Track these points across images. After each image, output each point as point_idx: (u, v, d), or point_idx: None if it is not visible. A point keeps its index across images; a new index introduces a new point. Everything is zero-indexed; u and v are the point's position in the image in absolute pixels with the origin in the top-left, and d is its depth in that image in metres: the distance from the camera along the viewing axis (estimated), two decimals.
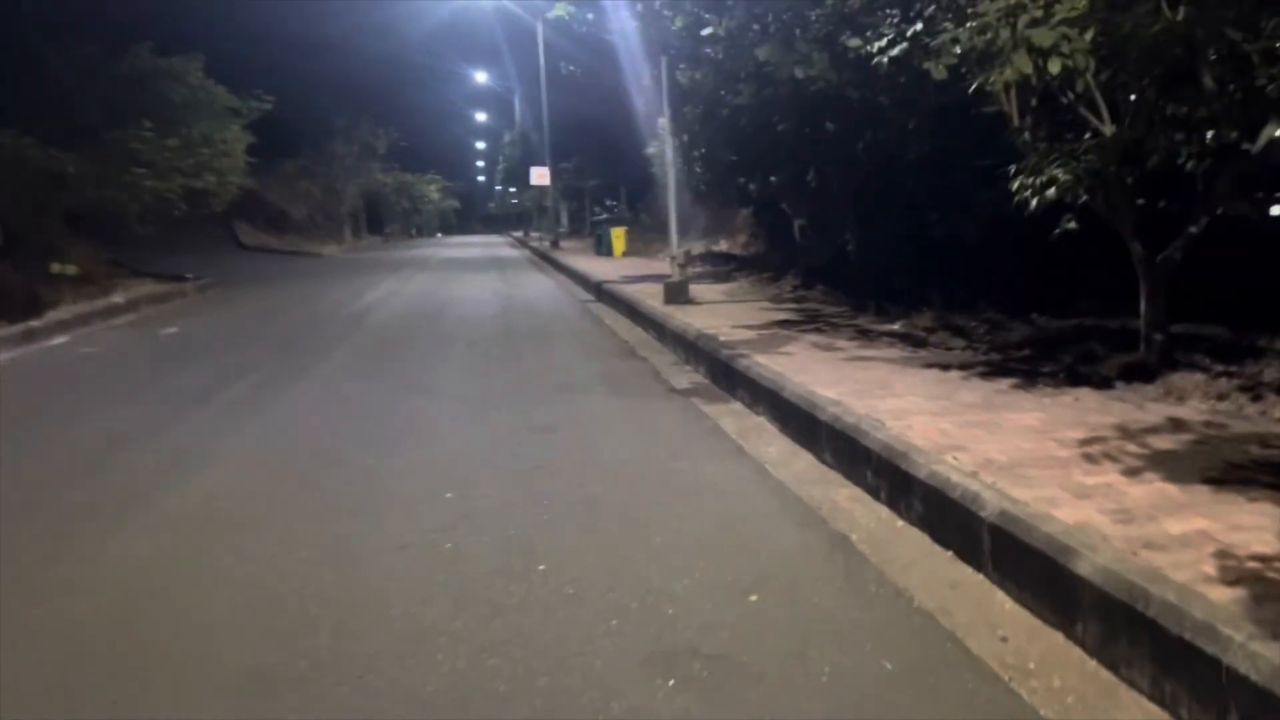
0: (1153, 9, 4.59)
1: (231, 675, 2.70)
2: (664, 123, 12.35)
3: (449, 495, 4.33)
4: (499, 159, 59.57)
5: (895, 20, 6.09)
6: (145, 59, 17.11)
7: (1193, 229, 5.21)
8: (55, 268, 13.45)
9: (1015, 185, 5.29)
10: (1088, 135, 5.15)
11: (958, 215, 8.32)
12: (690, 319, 8.96)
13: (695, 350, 7.71)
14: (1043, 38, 4.27)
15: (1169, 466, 3.58)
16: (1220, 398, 4.58)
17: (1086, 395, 4.89)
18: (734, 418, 5.83)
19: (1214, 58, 4.77)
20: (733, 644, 2.77)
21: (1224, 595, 2.46)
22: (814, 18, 8.11)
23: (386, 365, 8.44)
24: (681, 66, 11.39)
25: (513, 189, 56.72)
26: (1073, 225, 5.18)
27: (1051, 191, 5.01)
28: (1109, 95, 4.99)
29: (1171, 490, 3.32)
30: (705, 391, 6.71)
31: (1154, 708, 2.38)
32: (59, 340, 10.54)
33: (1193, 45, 4.72)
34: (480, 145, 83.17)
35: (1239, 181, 5.17)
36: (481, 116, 64.72)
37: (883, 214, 9.98)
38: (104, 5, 20.75)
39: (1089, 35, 4.36)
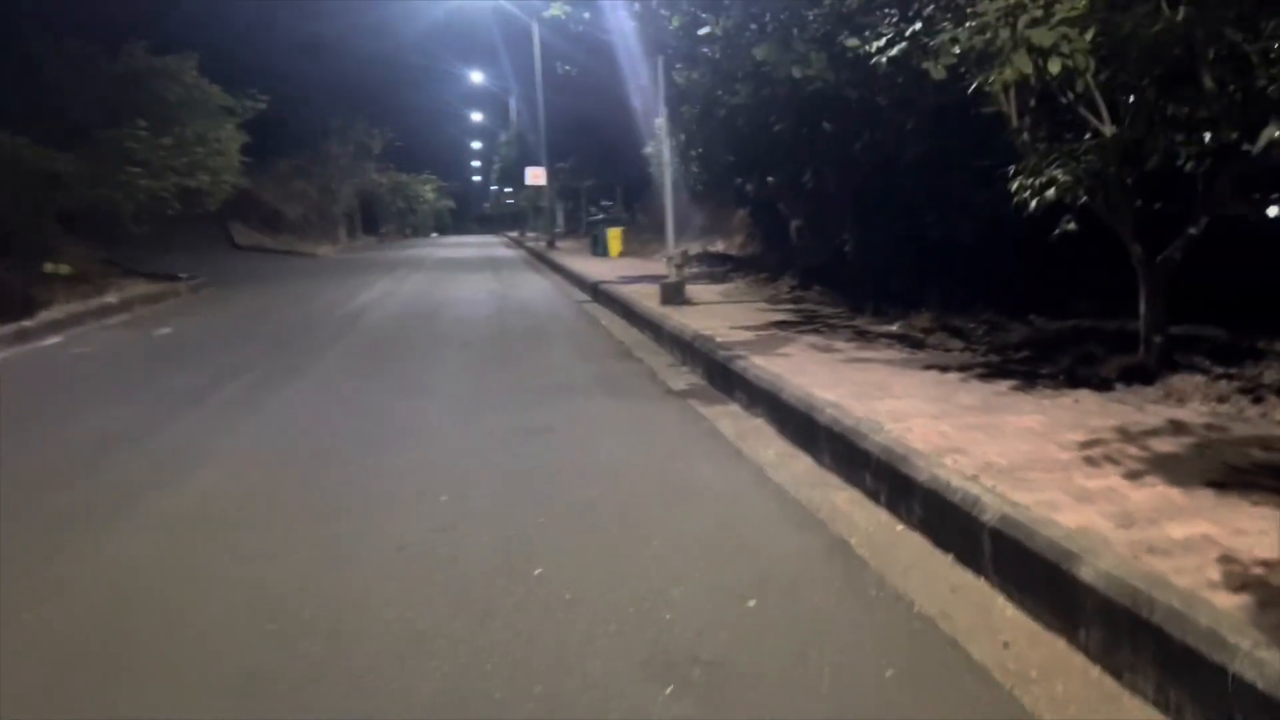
0: (1153, 9, 4.57)
1: (227, 679, 2.66)
2: (661, 123, 12.32)
3: (445, 497, 4.29)
4: (494, 159, 59.54)
5: (894, 20, 6.06)
6: (140, 58, 17.05)
7: (1192, 230, 5.19)
8: (49, 267, 13.38)
9: (1014, 186, 5.26)
10: (1087, 136, 5.13)
11: (956, 216, 8.29)
12: (687, 320, 8.93)
13: (692, 351, 7.68)
14: (1043, 37, 4.25)
15: (1170, 470, 3.56)
16: (1220, 400, 4.55)
17: (1086, 397, 4.86)
18: (731, 419, 5.80)
19: (1213, 58, 4.75)
20: (732, 649, 2.74)
21: (1229, 601, 2.43)
22: (811, 17, 8.08)
23: (381, 366, 8.40)
24: (678, 66, 11.36)
25: (508, 189, 56.66)
26: (1072, 226, 5.16)
27: (1051, 192, 4.98)
28: (1109, 95, 4.97)
29: (1173, 494, 3.29)
30: (702, 393, 6.68)
31: (1158, 715, 2.35)
32: (52, 340, 10.49)
33: (1192, 45, 4.70)
34: (476, 145, 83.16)
35: (1239, 182, 5.14)
36: (477, 116, 64.76)
37: (880, 214, 9.96)
38: (99, 4, 20.66)
39: (1089, 35, 4.33)
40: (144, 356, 9.51)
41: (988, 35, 4.59)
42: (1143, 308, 5.41)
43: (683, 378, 7.33)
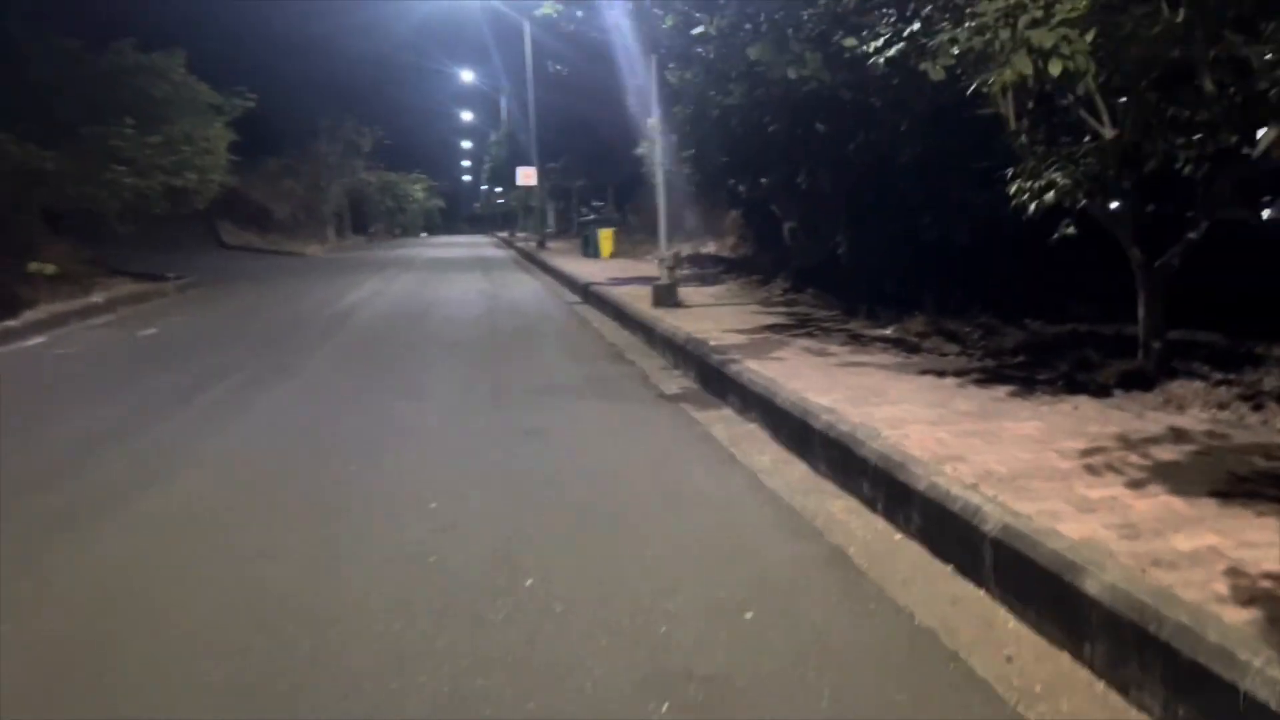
0: (1152, 10, 4.51)
1: (208, 696, 2.57)
2: (653, 123, 12.24)
3: (434, 505, 4.21)
4: (485, 158, 59.40)
5: (892, 20, 5.99)
6: (126, 55, 16.86)
7: (1192, 235, 5.14)
8: (33, 267, 13.20)
9: (1013, 189, 5.20)
10: (1087, 138, 5.07)
11: (952, 218, 8.24)
12: (679, 322, 8.86)
13: (685, 354, 7.61)
14: (1043, 38, 4.18)
15: (1173, 479, 3.50)
16: (1221, 407, 4.50)
17: (1085, 403, 4.81)
18: (725, 424, 5.73)
19: (1213, 60, 4.69)
20: (728, 664, 2.66)
21: (1238, 616, 2.37)
22: (806, 17, 8.01)
23: (370, 368, 8.31)
24: (671, 66, 11.28)
25: (499, 189, 56.51)
26: (1072, 230, 5.11)
27: (1050, 195, 4.93)
28: (1108, 98, 4.91)
29: (1177, 504, 3.23)
30: (695, 397, 6.61)
31: None
32: (35, 341, 10.35)
33: (1192, 47, 4.65)
34: (466, 145, 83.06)
35: (1238, 186, 5.10)
36: (467, 116, 64.62)
37: (875, 216, 9.90)
38: (85, 0, 20.48)
39: (1089, 36, 4.27)
40: (129, 357, 9.39)
41: (987, 36, 4.53)
42: (1141, 313, 5.36)
43: (675, 381, 7.26)
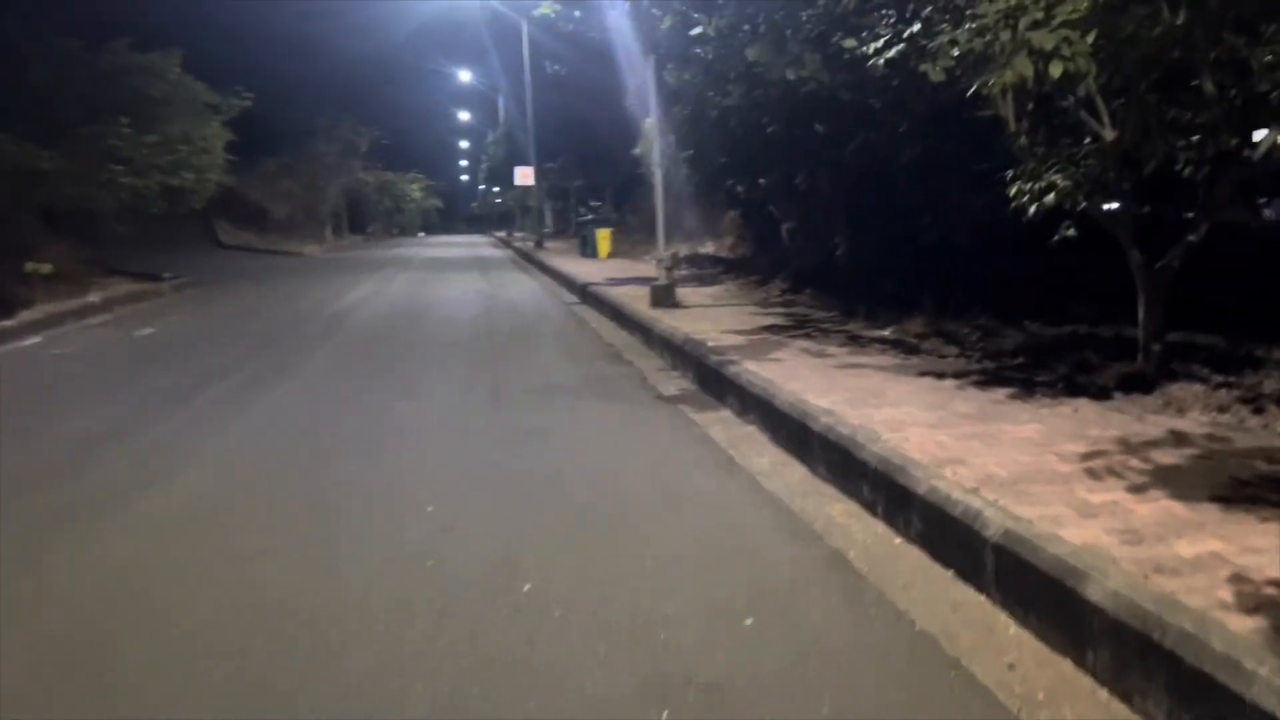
0: (1153, 12, 4.49)
1: (208, 697, 2.56)
2: (651, 123, 12.22)
3: (431, 508, 4.18)
4: (482, 158, 59.31)
5: (891, 21, 5.97)
6: (123, 54, 16.82)
7: (1192, 237, 5.13)
8: (30, 266, 13.16)
9: (1013, 191, 5.19)
10: (1087, 140, 5.06)
11: (951, 219, 8.22)
12: (677, 323, 8.84)
13: (683, 355, 7.58)
14: (1044, 40, 4.16)
15: (1175, 483, 3.48)
16: (1221, 410, 4.48)
17: (1085, 406, 4.78)
18: (723, 426, 5.70)
19: (1213, 62, 4.68)
20: (729, 671, 2.64)
21: (1243, 624, 2.35)
22: (805, 18, 7.99)
23: (368, 368, 8.28)
24: (670, 66, 11.27)
25: (496, 188, 56.44)
26: (1072, 232, 5.09)
27: (1051, 197, 4.91)
28: (1108, 99, 4.90)
29: (1179, 509, 3.21)
30: (693, 398, 6.59)
31: None
32: (32, 341, 10.31)
33: (1193, 49, 4.63)
34: (464, 144, 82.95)
35: (1238, 188, 5.09)
36: (465, 116, 64.51)
37: (874, 217, 9.89)
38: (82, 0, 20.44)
39: (1090, 38, 4.25)
40: (126, 357, 9.36)
41: (987, 38, 4.51)
42: (1141, 315, 5.34)
43: (673, 382, 7.23)
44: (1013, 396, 5.11)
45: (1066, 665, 2.64)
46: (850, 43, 6.70)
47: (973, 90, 5.06)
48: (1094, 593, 2.58)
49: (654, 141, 12.10)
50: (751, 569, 3.41)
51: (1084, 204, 5.06)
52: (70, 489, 4.57)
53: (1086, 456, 3.86)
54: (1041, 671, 2.62)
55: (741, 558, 3.53)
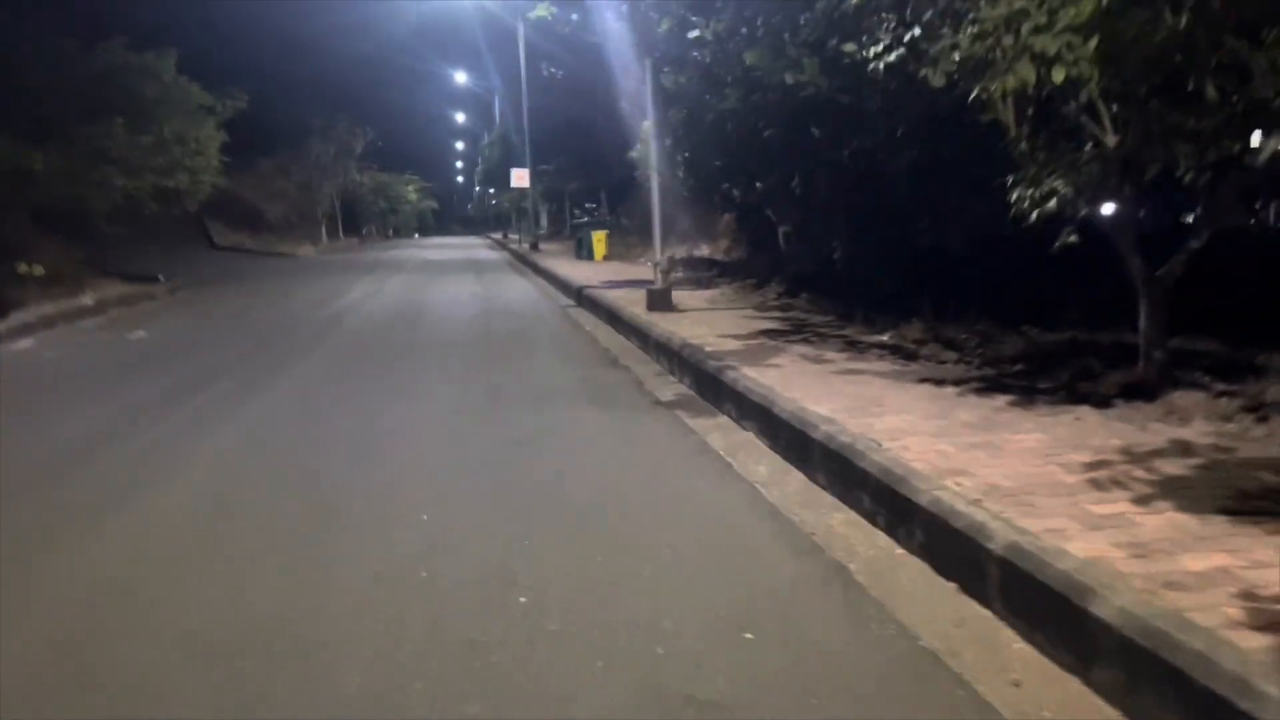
0: (1155, 16, 4.45)
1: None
2: (648, 126, 12.17)
3: (425, 517, 4.12)
4: (478, 160, 59.28)
5: (891, 25, 5.93)
6: (117, 54, 16.75)
7: (1194, 243, 5.08)
8: (22, 268, 13.09)
9: (1013, 196, 5.14)
10: (1089, 146, 5.01)
11: (948, 224, 8.18)
12: (674, 327, 8.78)
13: (680, 360, 7.53)
14: (1047, 44, 4.12)
15: (1180, 495, 3.43)
16: (1224, 419, 4.43)
17: (1087, 415, 4.73)
18: (721, 433, 5.65)
19: (1215, 67, 4.64)
20: (730, 690, 2.58)
21: (1254, 642, 2.30)
22: (804, 22, 7.95)
23: (361, 372, 8.22)
24: (666, 69, 11.22)
25: (492, 190, 56.38)
26: (1074, 239, 5.04)
27: (1052, 203, 4.86)
28: (1109, 104, 4.85)
29: (1186, 521, 3.16)
30: (691, 404, 6.53)
31: None
32: (23, 344, 10.24)
33: (1195, 54, 4.58)
34: (459, 146, 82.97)
35: (1240, 194, 5.04)
36: (461, 117, 64.57)
37: (872, 221, 9.83)
38: None
39: (1093, 43, 4.21)
40: (119, 361, 9.28)
41: (989, 42, 4.46)
42: (1142, 323, 5.29)
43: (670, 387, 7.18)
44: (1014, 404, 5.06)
45: (1073, 683, 2.58)
46: (850, 47, 6.66)
47: (974, 95, 5.01)
48: (1102, 610, 2.53)
49: (650, 144, 12.05)
50: (751, 581, 3.36)
51: (1085, 210, 5.01)
52: (60, 494, 4.52)
53: (1090, 467, 3.81)
54: (1048, 689, 2.57)
55: (741, 569, 3.48)
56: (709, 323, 9.25)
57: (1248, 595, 2.58)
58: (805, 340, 7.89)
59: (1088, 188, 4.91)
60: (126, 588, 3.41)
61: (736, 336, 8.15)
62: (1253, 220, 5.33)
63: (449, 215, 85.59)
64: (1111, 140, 4.88)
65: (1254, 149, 4.71)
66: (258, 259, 29.91)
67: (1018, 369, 6.02)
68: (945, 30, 5.08)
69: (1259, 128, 4.61)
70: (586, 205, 40.91)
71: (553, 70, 21.17)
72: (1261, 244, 6.18)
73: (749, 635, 2.92)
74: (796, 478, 4.65)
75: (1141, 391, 4.98)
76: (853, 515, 4.02)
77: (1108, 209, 5.20)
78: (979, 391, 5.43)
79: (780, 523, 4.01)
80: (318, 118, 43.41)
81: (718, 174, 12.38)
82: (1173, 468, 3.78)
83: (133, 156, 15.88)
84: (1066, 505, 3.34)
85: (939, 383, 5.73)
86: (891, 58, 5.89)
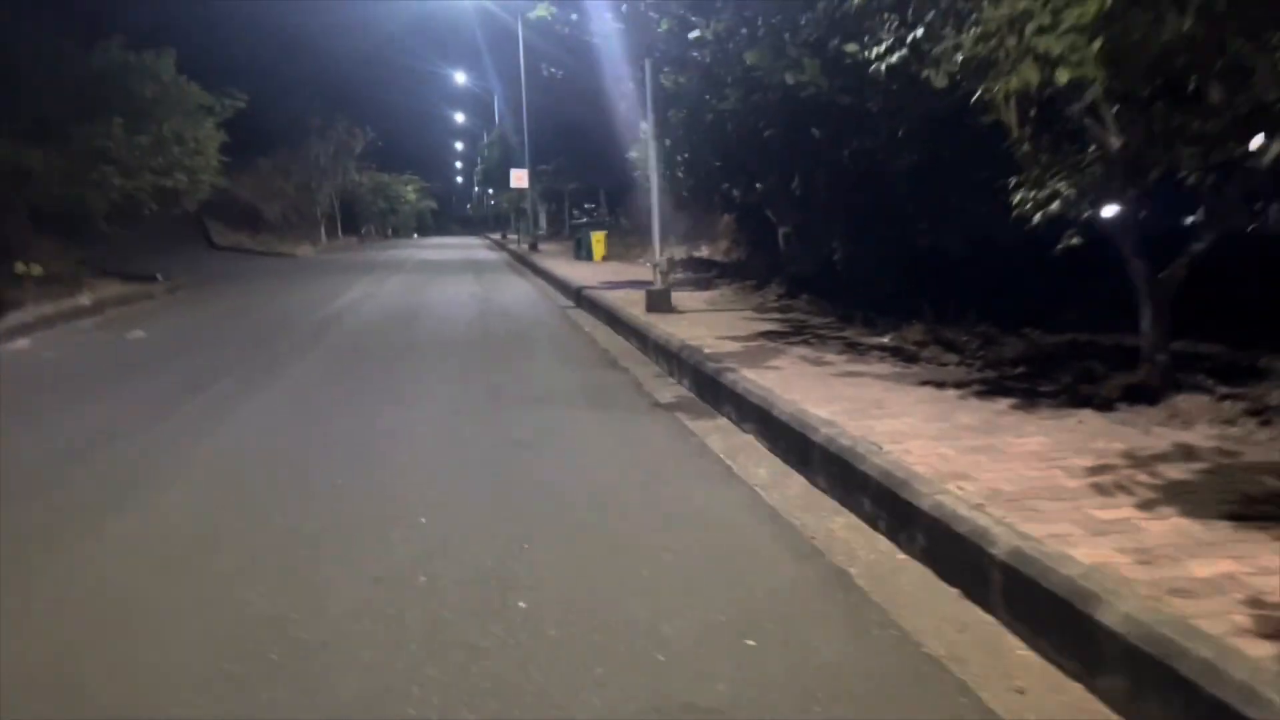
0: (1159, 17, 4.42)
1: None
2: (647, 126, 12.14)
3: (423, 520, 4.09)
4: (477, 160, 59.21)
5: (894, 26, 5.90)
6: (116, 54, 16.72)
7: (1198, 245, 5.06)
8: (20, 268, 13.06)
9: (1016, 198, 5.11)
10: (1092, 148, 4.98)
11: (948, 225, 8.15)
12: (673, 329, 8.75)
13: (679, 362, 7.50)
14: (1051, 45, 4.09)
15: (1185, 499, 3.40)
16: (1228, 422, 4.41)
17: (1089, 418, 4.71)
18: (721, 435, 5.62)
19: (1220, 69, 4.61)
20: (731, 698, 2.55)
21: (1261, 650, 2.27)
22: (804, 22, 7.92)
23: (359, 374, 8.19)
24: (666, 70, 11.19)
25: (491, 190, 56.36)
26: (1076, 241, 5.02)
27: (1055, 205, 4.84)
28: (1113, 106, 4.82)
29: (1191, 526, 3.14)
30: (690, 406, 6.51)
31: None
32: (20, 344, 10.20)
33: (1198, 55, 4.56)
34: (459, 146, 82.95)
35: (1244, 196, 5.02)
36: (460, 117, 64.51)
37: (872, 222, 9.81)
38: None
39: (1097, 44, 4.18)
40: (116, 361, 9.25)
41: (992, 43, 4.43)
42: (1145, 325, 5.26)
43: (669, 389, 7.15)
44: (1016, 407, 5.04)
45: (1078, 690, 2.55)
46: (851, 47, 6.63)
47: (976, 96, 4.99)
48: (1108, 617, 2.50)
49: (650, 145, 12.02)
50: (752, 587, 3.33)
51: (1088, 212, 4.98)
52: (59, 494, 4.49)
53: (1094, 471, 3.78)
54: (1053, 697, 2.54)
55: (742, 575, 3.45)
56: (708, 324, 9.23)
57: (1255, 602, 2.55)
58: (805, 342, 7.86)
59: (1090, 190, 4.88)
60: (125, 588, 3.38)
61: (736, 338, 8.13)
62: (1255, 223, 5.30)
63: (448, 215, 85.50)
64: (1115, 142, 4.85)
65: (1256, 151, 4.69)
66: (257, 259, 29.88)
67: (1019, 371, 5.99)
68: (948, 31, 5.05)
69: (1262, 130, 4.58)
70: (585, 206, 40.93)
71: (552, 70, 21.14)
72: (1264, 246, 6.14)
73: (749, 641, 2.89)
74: (796, 480, 4.63)
75: (1144, 394, 4.96)
76: (854, 519, 4.00)
77: (1110, 211, 5.18)
78: (980, 394, 5.40)
79: (780, 526, 3.98)
80: (317, 117, 43.40)
81: (717, 174, 12.37)
82: (1176, 472, 3.76)
83: (131, 156, 15.85)
84: (1070, 510, 3.32)
85: (940, 385, 5.70)
86: (894, 58, 5.86)
